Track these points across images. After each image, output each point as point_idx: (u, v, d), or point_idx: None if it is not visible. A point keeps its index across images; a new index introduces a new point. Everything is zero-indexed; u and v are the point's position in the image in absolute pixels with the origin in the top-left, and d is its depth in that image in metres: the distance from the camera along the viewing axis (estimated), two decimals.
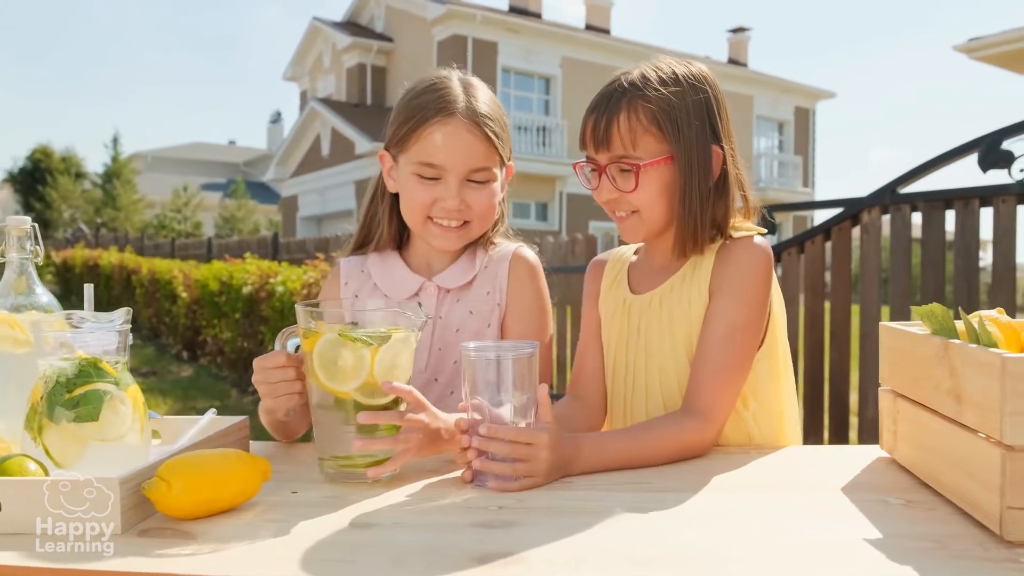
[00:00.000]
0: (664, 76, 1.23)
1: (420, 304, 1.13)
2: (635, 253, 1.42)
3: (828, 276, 3.66)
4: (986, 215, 3.26)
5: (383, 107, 22.03)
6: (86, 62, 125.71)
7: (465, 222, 1.34)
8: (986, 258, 3.82)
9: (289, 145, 23.56)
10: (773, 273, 1.25)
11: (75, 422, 0.97)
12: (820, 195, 29.67)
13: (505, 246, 1.43)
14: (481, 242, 1.42)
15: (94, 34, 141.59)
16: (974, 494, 0.85)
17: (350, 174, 20.49)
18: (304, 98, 25.10)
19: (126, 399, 1.01)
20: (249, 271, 7.23)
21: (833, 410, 3.48)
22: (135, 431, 1.02)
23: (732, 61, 25.49)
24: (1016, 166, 3.14)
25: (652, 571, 0.76)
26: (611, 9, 23.88)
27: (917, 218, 3.42)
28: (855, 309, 3.65)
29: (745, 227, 1.28)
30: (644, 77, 1.24)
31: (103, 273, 12.13)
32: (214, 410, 1.23)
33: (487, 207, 1.34)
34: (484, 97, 1.34)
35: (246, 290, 7.00)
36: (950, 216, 3.35)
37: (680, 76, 1.24)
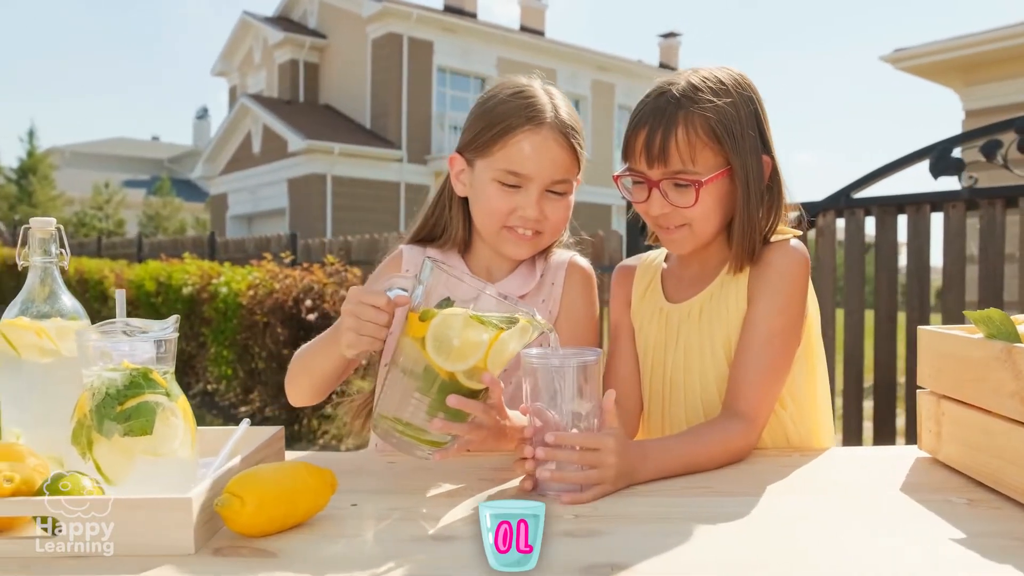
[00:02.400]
0: (714, 86, 1.21)
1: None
2: (665, 259, 1.42)
3: None
4: (936, 220, 3.40)
5: (316, 104, 21.65)
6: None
7: (537, 232, 1.32)
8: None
9: (218, 142, 22.91)
10: (809, 275, 1.26)
11: (127, 436, 0.92)
12: None
13: (560, 254, 1.42)
14: (543, 252, 1.40)
15: (7, 22, 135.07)
16: None
17: (283, 172, 20.06)
18: (234, 94, 24.46)
19: (177, 411, 0.97)
20: (189, 271, 7.01)
21: None
22: (186, 445, 0.97)
23: (663, 65, 25.92)
24: (966, 173, 3.28)
25: None
26: (545, 11, 24.03)
27: (871, 223, 3.54)
28: None
29: (780, 230, 1.29)
30: (694, 87, 1.21)
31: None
32: (248, 420, 1.19)
33: (562, 219, 1.33)
34: (567, 107, 1.32)
35: (186, 291, 6.79)
36: (902, 220, 3.47)
37: (729, 85, 1.23)
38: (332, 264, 5.89)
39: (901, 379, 3.63)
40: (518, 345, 1.05)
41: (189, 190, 32.38)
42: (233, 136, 22.35)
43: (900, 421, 3.96)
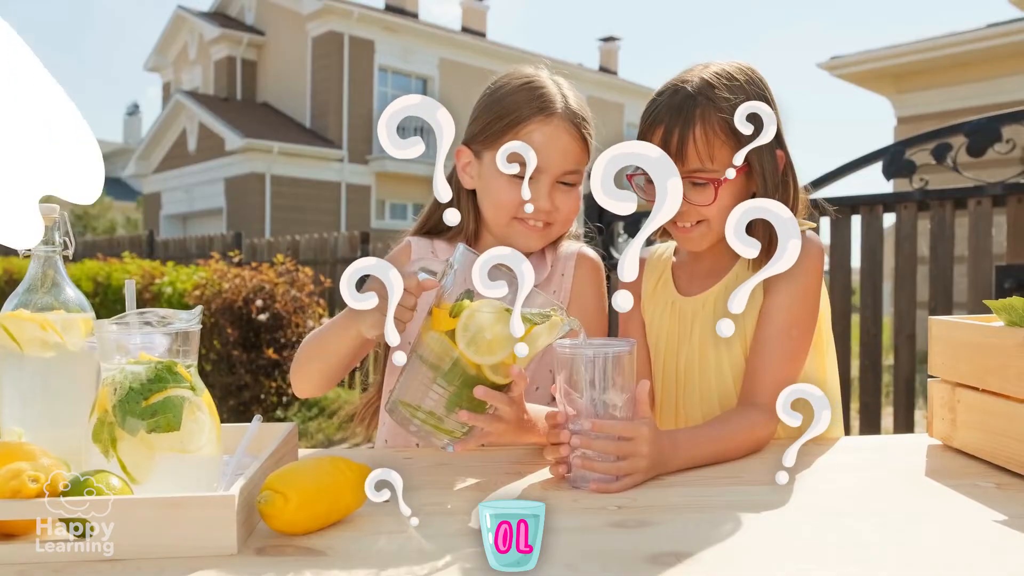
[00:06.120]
0: (728, 82, 1.22)
1: None
2: (674, 253, 1.42)
3: None
4: (888, 221, 3.51)
5: (254, 102, 21.22)
6: None
7: (548, 223, 1.30)
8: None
9: (151, 139, 22.23)
10: (824, 266, 1.28)
11: (155, 432, 0.88)
12: None
13: (568, 245, 1.41)
14: (552, 243, 1.39)
15: None
16: None
17: (219, 171, 19.58)
18: (167, 90, 23.79)
19: (203, 406, 0.92)
20: (130, 271, 6.79)
21: None
22: (212, 442, 0.93)
23: (603, 69, 26.23)
24: (917, 175, 3.40)
25: (836, 563, 0.76)
26: (487, 13, 24.03)
27: (825, 222, 3.62)
28: None
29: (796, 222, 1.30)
30: (709, 84, 1.21)
31: None
32: (259, 417, 1.15)
33: (573, 210, 1.32)
34: (576, 97, 1.31)
35: None
36: (856, 220, 3.57)
37: (742, 81, 1.23)
38: (282, 263, 5.77)
39: (855, 374, 3.73)
40: (547, 340, 1.04)
41: (119, 189, 31.34)
42: (167, 134, 21.74)
43: (854, 417, 4.07)
